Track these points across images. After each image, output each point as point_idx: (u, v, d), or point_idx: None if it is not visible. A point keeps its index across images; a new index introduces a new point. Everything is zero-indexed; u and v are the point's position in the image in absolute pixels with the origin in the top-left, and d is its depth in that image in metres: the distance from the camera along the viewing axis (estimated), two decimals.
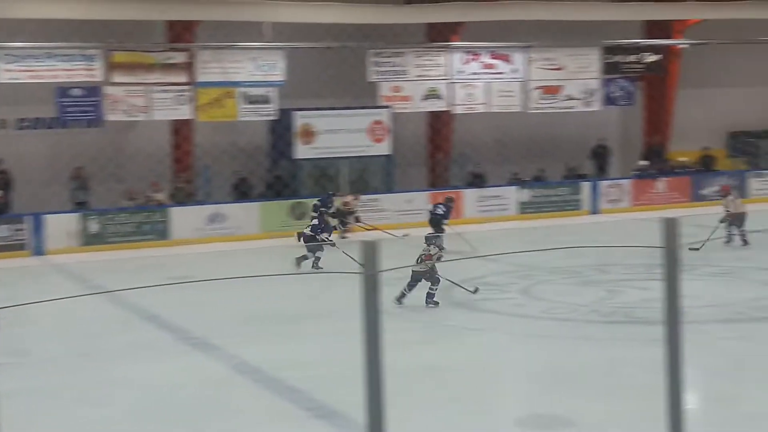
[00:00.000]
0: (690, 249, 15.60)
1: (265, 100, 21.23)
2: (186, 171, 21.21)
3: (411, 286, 12.52)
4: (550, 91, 23.89)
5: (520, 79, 23.54)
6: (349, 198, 20.55)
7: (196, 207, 20.51)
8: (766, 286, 13.39)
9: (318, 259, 15.66)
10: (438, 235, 14.66)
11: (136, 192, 20.49)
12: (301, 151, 21.65)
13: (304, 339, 11.23)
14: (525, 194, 23.04)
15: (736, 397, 8.50)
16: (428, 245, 12.70)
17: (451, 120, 23.67)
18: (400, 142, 22.82)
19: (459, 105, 23.09)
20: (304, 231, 16.30)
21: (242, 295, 13.21)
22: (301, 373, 9.67)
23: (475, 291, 13.07)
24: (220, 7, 20.31)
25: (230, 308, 12.81)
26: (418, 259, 12.55)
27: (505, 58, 23.48)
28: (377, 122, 22.27)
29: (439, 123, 23.71)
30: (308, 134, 21.68)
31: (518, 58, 23.51)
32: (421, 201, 21.46)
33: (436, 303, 12.58)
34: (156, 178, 20.88)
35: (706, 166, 25.34)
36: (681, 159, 25.58)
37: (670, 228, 4.24)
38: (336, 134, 21.87)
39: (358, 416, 4.20)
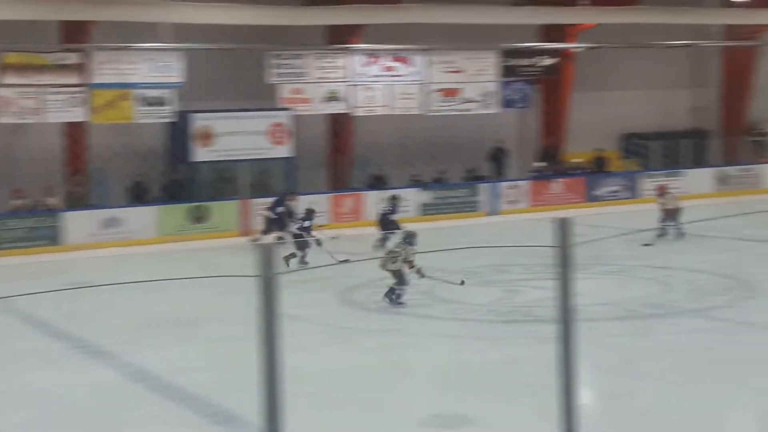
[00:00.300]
0: (643, 245, 16.72)
1: (162, 102, 20.86)
2: (79, 174, 20.68)
3: (400, 283, 12.67)
4: (450, 93, 24.15)
5: (419, 82, 23.73)
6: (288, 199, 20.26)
7: (91, 211, 20.02)
8: (656, 284, 13.77)
9: (305, 255, 15.91)
10: (392, 232, 14.44)
11: (25, 193, 19.85)
12: (200, 153, 21.35)
13: (203, 344, 11.08)
14: (426, 196, 23.22)
15: (628, 393, 8.72)
16: (404, 246, 12.79)
17: (351, 122, 23.70)
18: (301, 145, 22.73)
19: (359, 107, 23.14)
20: (293, 230, 16.49)
21: (139, 300, 12.94)
22: (200, 378, 9.53)
23: (462, 283, 13.17)
24: (116, 8, 19.86)
25: (126, 315, 12.53)
26: (391, 259, 12.61)
27: (405, 61, 23.64)
28: (277, 124, 22.13)
29: (339, 125, 23.71)
30: (207, 136, 21.39)
31: (418, 60, 23.69)
32: (323, 203, 21.41)
33: (402, 303, 12.66)
34: (49, 182, 20.31)
35: (599, 167, 25.97)
36: (575, 160, 26.18)
37: (563, 228, 4.31)
38: (235, 136, 21.64)
39: (258, 421, 4.14)
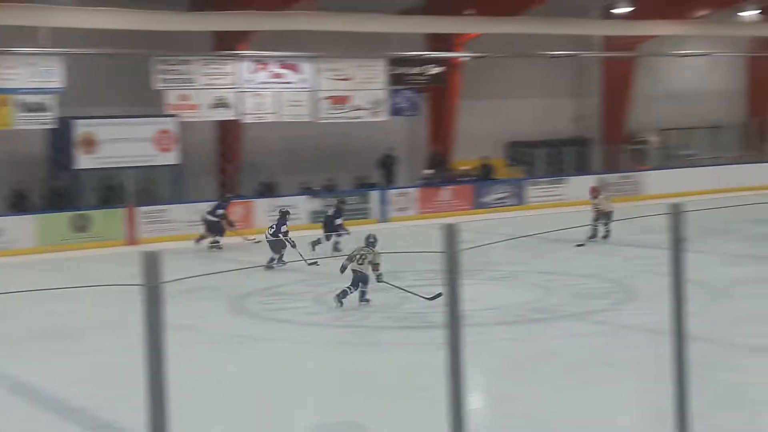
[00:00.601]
0: (576, 246, 17.38)
1: (42, 108, 20.28)
2: None
3: (354, 286, 12.77)
4: (339, 101, 24.22)
5: (308, 89, 23.72)
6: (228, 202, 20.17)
7: None
8: (540, 289, 14.07)
9: (282, 256, 16.28)
10: (338, 235, 14.25)
11: None
12: (83, 161, 20.83)
13: (86, 355, 10.78)
14: (316, 203, 23.18)
15: (515, 396, 8.88)
16: (368, 247, 12.95)
17: (240, 129, 23.50)
18: (189, 152, 22.41)
19: (248, 114, 22.98)
20: (266, 233, 16.78)
21: (19, 312, 12.51)
22: (84, 390, 9.27)
23: (435, 297, 12.77)
24: None
25: (6, 326, 12.10)
26: (356, 260, 12.73)
27: (294, 68, 23.59)
28: (164, 131, 21.77)
29: (228, 132, 23.49)
30: (90, 143, 20.87)
31: (307, 68, 23.68)
32: None
33: (368, 300, 12.86)
34: None
35: (486, 174, 26.45)
36: (463, 168, 26.59)
37: (450, 234, 4.37)
38: (120, 143, 21.20)
39: None
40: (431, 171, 25.78)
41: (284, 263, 16.28)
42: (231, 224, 19.51)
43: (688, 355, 4.78)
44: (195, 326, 11.83)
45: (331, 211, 18.98)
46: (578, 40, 28.22)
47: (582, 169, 28.68)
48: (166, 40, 21.95)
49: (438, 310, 11.99)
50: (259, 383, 9.65)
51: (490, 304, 12.78)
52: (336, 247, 18.22)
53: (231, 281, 14.64)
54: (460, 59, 26.38)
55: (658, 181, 27.34)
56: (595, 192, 19.54)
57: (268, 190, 23.32)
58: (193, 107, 22.18)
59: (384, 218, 23.91)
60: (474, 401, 8.51)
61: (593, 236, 18.52)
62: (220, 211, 19.16)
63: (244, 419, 8.41)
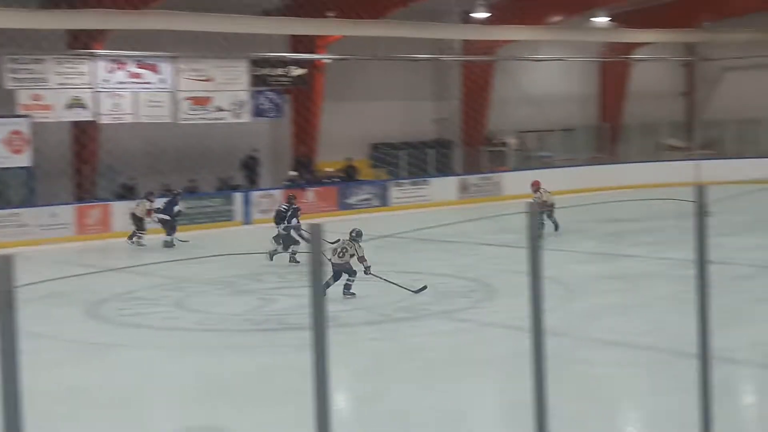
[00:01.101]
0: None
1: None
2: None
3: (335, 279, 12.99)
4: (200, 102, 23.83)
5: (168, 90, 23.24)
6: (147, 204, 19.89)
7: None
8: (404, 289, 14.19)
9: (294, 252, 16.53)
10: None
11: None
12: None
13: None
14: (178, 206, 22.72)
15: (380, 395, 8.93)
16: (351, 241, 13.19)
17: (97, 130, 22.81)
18: (43, 154, 21.59)
19: (105, 115, 22.32)
20: (279, 230, 16.93)
21: None
22: None
23: (420, 290, 13.26)
24: None
25: None
26: (337, 253, 12.99)
27: (153, 68, 23.06)
28: (15, 132, 20.92)
29: (84, 134, 22.76)
30: None
31: (166, 68, 23.20)
32: (68, 215, 20.45)
33: (353, 294, 13.10)
34: None
35: (350, 176, 26.56)
36: (327, 169, 26.62)
37: (315, 234, 4.34)
38: None
39: None
40: (295, 173, 25.70)
41: (298, 262, 16.27)
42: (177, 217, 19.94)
43: (545, 350, 4.90)
44: (48, 334, 11.40)
45: (283, 207, 18.55)
46: (439, 43, 28.69)
47: (444, 171, 29.17)
48: (17, 37, 21.07)
49: (297, 312, 12.00)
50: (115, 391, 9.36)
51: (356, 304, 12.82)
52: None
53: (87, 287, 14.17)
54: (323, 61, 26.40)
55: (516, 181, 28.03)
56: (535, 185, 19.90)
57: (128, 193, 22.72)
58: (46, 107, 21.38)
59: (248, 220, 23.69)
60: (340, 402, 8.52)
61: (541, 228, 18.87)
62: (177, 208, 19.76)
63: (104, 428, 8.15)
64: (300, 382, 4.23)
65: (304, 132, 26.68)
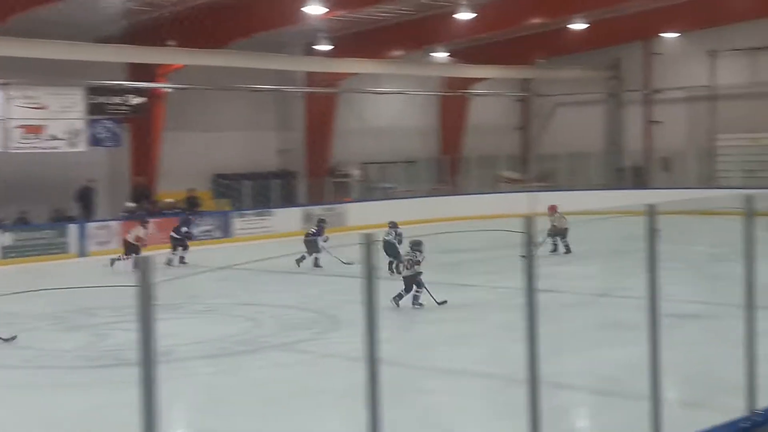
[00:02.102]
0: (521, 257, 17.17)
1: None
2: None
3: (407, 291, 14.00)
4: (33, 130, 22.97)
5: None
6: (140, 231, 20.45)
7: None
8: (246, 321, 14.04)
9: (317, 258, 19.40)
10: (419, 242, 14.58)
11: None
12: None
13: None
14: (7, 238, 21.77)
15: (218, 431, 8.77)
16: (413, 252, 14.06)
17: None
18: None
19: None
20: (307, 233, 20.28)
21: None
22: None
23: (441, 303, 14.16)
24: None
25: None
26: (405, 265, 14.15)
27: None
28: None
29: None
30: None
31: None
32: None
33: (422, 304, 14.06)
34: None
35: (192, 206, 26.12)
36: (168, 200, 26.08)
37: (144, 266, 4.23)
38: None
39: None
40: (133, 204, 25.05)
41: (320, 267, 18.99)
42: (190, 239, 21.49)
43: (380, 380, 4.94)
44: None
45: (312, 230, 20.48)
46: (282, 74, 28.73)
47: (288, 202, 29.11)
48: None
49: (133, 348, 11.62)
50: None
51: (194, 338, 12.57)
52: (317, 264, 19.57)
53: None
54: (163, 90, 25.94)
55: (359, 212, 28.33)
56: (552, 210, 20.63)
57: None
58: None
59: (83, 253, 22.88)
60: None
61: (554, 251, 20.29)
62: (184, 229, 21.21)
63: None
64: (135, 419, 4.10)
65: (144, 162, 26.09)
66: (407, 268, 14.10)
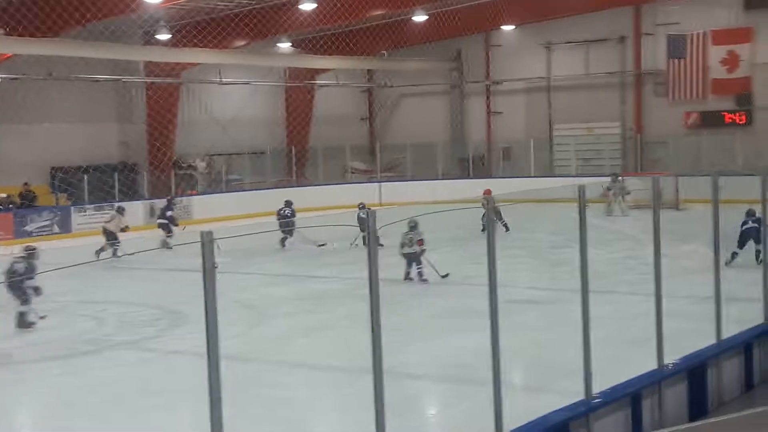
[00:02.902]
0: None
1: None
2: None
3: (409, 266, 15.14)
4: None
5: None
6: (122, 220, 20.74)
7: None
8: (91, 320, 13.61)
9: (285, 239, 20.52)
10: (416, 223, 15.42)
11: None
12: None
13: None
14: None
15: None
16: (413, 231, 15.02)
17: None
18: None
19: None
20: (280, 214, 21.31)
21: None
22: None
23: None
24: None
25: None
26: (405, 245, 14.98)
27: None
28: None
29: None
30: None
31: None
32: None
33: (426, 280, 15.12)
34: None
35: (28, 201, 25.06)
36: (1, 195, 24.94)
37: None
38: None
39: None
40: None
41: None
42: (175, 223, 21.82)
43: (219, 377, 4.89)
44: None
45: (287, 211, 21.44)
46: (122, 64, 27.90)
47: (130, 195, 28.29)
48: None
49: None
50: None
51: (38, 339, 12.09)
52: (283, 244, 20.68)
53: None
54: None
55: (206, 205, 27.91)
56: (487, 192, 20.96)
57: None
58: None
59: None
60: None
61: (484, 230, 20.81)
62: (170, 213, 21.80)
63: None
64: None
65: None
66: (408, 246, 15.08)
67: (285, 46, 31.50)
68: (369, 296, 5.67)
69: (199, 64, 29.13)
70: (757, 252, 14.68)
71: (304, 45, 31.62)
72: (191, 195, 28.96)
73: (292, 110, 34.54)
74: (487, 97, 35.44)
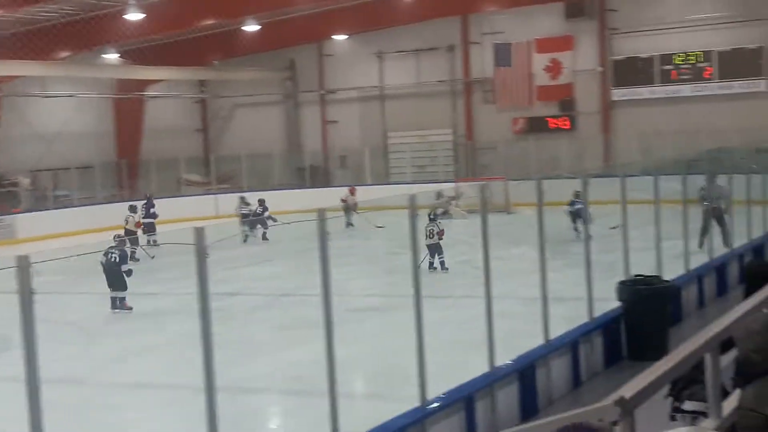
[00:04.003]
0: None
1: None
2: None
3: (432, 255, 15.85)
4: None
5: None
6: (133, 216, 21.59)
7: None
8: None
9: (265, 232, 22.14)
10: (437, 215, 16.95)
11: None
12: None
13: None
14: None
15: None
16: (432, 222, 16.01)
17: None
18: None
19: None
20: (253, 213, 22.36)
21: None
22: None
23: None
24: None
25: None
26: (426, 236, 15.58)
27: None
28: None
29: None
30: None
31: None
32: None
33: (447, 269, 15.99)
34: None
35: None
36: None
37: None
38: None
39: None
40: None
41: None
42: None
43: (40, 404, 4.65)
44: None
45: (258, 209, 22.92)
46: None
47: None
48: None
49: None
50: None
51: None
52: (265, 236, 22.64)
53: None
54: None
55: (31, 223, 26.66)
56: (352, 190, 23.08)
57: None
58: None
59: None
60: None
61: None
62: (153, 210, 22.43)
63: None
64: None
65: None
66: (430, 237, 15.81)
67: (112, 56, 30.55)
68: (200, 312, 5.50)
69: (19, 76, 27.84)
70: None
71: (132, 55, 30.75)
72: (15, 213, 27.61)
73: (122, 122, 33.51)
74: (322, 107, 35.52)
